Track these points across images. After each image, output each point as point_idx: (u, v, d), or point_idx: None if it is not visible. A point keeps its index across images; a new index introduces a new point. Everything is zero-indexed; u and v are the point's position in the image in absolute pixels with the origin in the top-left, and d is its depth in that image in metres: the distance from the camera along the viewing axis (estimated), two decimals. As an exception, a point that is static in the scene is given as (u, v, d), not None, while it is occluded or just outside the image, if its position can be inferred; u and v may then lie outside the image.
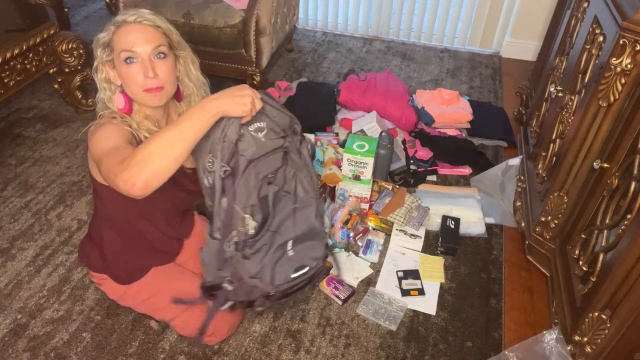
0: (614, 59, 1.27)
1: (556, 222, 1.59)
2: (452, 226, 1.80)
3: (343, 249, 1.74)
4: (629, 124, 1.26)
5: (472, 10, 3.11)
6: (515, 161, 2.00)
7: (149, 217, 1.32)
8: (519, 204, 1.89)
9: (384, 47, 3.20)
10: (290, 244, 1.10)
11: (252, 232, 1.06)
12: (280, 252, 1.09)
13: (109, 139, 1.09)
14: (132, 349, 1.41)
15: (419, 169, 2.09)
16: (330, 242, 1.72)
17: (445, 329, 1.51)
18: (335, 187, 1.87)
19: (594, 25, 1.52)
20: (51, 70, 2.24)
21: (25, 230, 1.77)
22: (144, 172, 0.94)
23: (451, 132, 2.30)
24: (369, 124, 2.15)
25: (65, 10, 2.74)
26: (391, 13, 3.25)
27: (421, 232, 1.81)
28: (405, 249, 1.76)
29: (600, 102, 1.34)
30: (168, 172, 0.97)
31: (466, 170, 2.13)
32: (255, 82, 2.47)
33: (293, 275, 1.11)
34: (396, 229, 1.81)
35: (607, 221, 1.30)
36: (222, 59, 2.45)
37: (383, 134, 1.92)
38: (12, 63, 2.02)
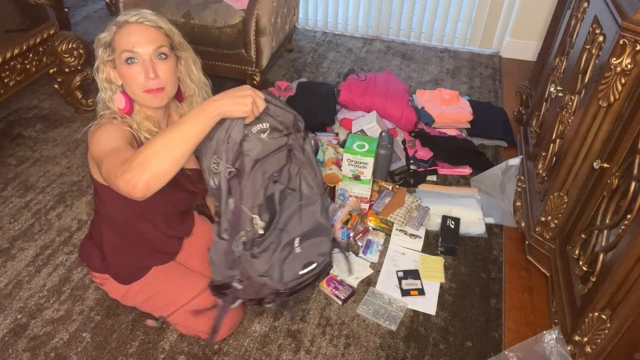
0: (614, 59, 1.27)
1: (556, 222, 1.59)
2: (452, 226, 1.80)
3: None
4: (629, 124, 1.26)
5: (472, 10, 3.11)
6: (515, 161, 2.00)
7: (149, 218, 1.32)
8: (519, 204, 1.89)
9: (384, 47, 3.20)
10: (297, 241, 1.11)
11: (261, 232, 1.06)
12: (287, 249, 1.10)
13: (109, 139, 1.09)
14: (132, 349, 1.41)
15: (419, 169, 2.09)
16: (340, 237, 1.70)
17: (445, 329, 1.51)
18: (335, 187, 1.87)
19: (594, 25, 1.52)
20: (51, 70, 2.24)
21: (25, 230, 1.77)
22: (145, 173, 0.94)
23: (451, 132, 2.30)
24: (369, 124, 2.14)
25: (65, 10, 2.75)
26: (391, 13, 3.24)
27: (421, 232, 1.81)
28: (405, 249, 1.76)
29: (600, 102, 1.34)
30: (169, 174, 0.97)
31: (466, 170, 2.13)
32: (255, 82, 2.47)
33: (301, 272, 1.12)
34: (396, 229, 1.81)
35: (607, 221, 1.30)
36: (222, 59, 2.45)
37: (383, 134, 1.92)
38: (12, 63, 2.02)
